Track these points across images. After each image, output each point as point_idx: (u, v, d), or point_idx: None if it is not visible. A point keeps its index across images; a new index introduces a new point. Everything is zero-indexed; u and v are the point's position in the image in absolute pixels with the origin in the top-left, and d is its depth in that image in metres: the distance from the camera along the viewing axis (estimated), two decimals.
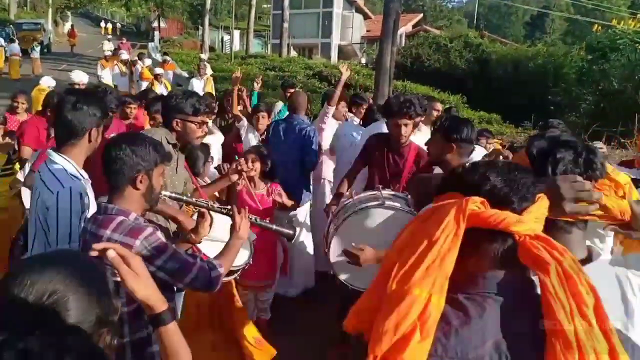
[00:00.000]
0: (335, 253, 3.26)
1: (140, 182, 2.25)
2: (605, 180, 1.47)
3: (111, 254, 1.45)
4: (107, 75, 12.74)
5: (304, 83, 16.64)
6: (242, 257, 3.15)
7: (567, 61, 15.66)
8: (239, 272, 3.20)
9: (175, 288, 2.33)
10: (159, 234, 2.25)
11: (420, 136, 4.44)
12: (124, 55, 14.13)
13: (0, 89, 15.65)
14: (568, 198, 1.36)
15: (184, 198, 2.76)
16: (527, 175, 1.15)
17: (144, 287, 1.47)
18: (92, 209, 2.63)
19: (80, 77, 7.11)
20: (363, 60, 29.09)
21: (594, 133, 9.88)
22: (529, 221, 1.08)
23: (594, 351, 1.00)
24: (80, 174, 2.71)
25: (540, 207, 1.12)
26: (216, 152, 5.24)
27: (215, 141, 5.36)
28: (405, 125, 3.84)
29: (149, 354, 2.24)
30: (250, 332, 3.77)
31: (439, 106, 5.49)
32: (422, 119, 4.26)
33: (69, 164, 2.69)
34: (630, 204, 1.49)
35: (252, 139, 5.48)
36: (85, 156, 2.77)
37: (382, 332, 1.01)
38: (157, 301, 1.50)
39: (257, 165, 4.07)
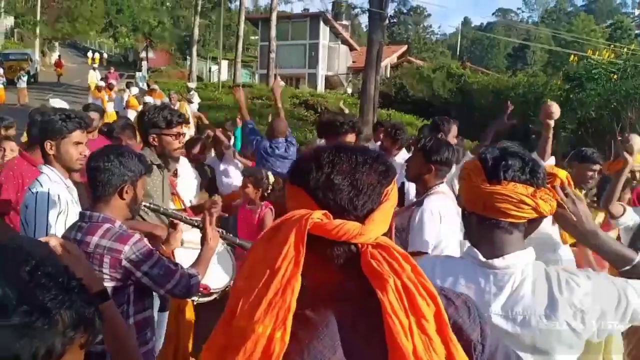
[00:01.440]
0: None
1: (126, 192, 2.32)
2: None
3: (52, 242, 1.56)
4: (110, 107, 12.85)
5: (290, 111, 16.87)
6: (223, 279, 3.22)
7: (547, 91, 16.07)
8: (219, 294, 3.23)
9: (153, 304, 2.45)
10: (145, 240, 2.32)
11: None
12: (113, 83, 14.33)
13: None
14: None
15: (161, 209, 2.83)
16: (374, 170, 1.08)
17: (83, 269, 1.59)
18: (73, 216, 2.70)
19: (59, 105, 7.23)
20: (349, 90, 29.52)
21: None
22: (372, 230, 1.04)
23: None
24: (64, 181, 2.81)
25: (386, 210, 1.08)
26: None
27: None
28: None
29: (148, 335, 2.36)
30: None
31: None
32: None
33: (52, 172, 2.79)
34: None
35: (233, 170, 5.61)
36: (62, 168, 2.86)
37: None
38: (96, 281, 1.68)
39: (250, 189, 4.34)
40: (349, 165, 1.07)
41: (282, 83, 6.05)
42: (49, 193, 2.70)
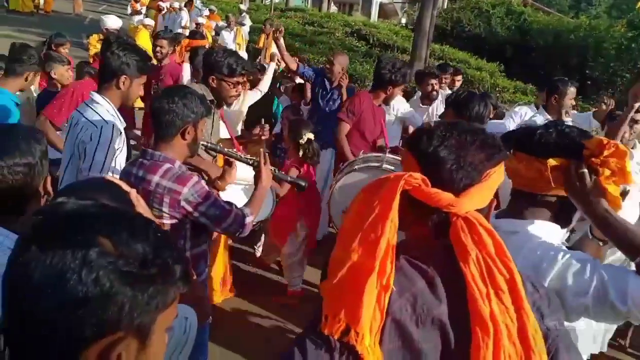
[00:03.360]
0: (334, 206, 3.50)
1: (188, 133, 2.39)
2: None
3: (133, 193, 1.57)
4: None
5: (341, 41, 16.67)
6: (264, 212, 3.36)
7: (608, 36, 15.44)
8: (257, 225, 3.40)
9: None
10: (203, 182, 2.42)
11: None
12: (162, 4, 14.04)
13: (38, 25, 16.04)
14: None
15: (217, 148, 2.89)
16: (480, 151, 1.18)
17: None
18: (123, 154, 2.85)
19: (113, 23, 7.25)
20: (403, 21, 28.75)
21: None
22: (464, 204, 1.14)
23: (506, 327, 1.09)
24: (118, 117, 2.88)
25: (484, 189, 1.17)
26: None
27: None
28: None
29: (202, 267, 2.55)
30: (219, 271, 4.22)
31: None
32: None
33: (109, 105, 2.86)
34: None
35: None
36: (119, 102, 2.91)
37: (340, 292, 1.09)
38: None
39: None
40: (458, 142, 1.18)
41: (282, 28, 6.11)
42: (112, 128, 2.77)
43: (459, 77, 7.09)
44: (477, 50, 17.15)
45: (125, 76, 2.84)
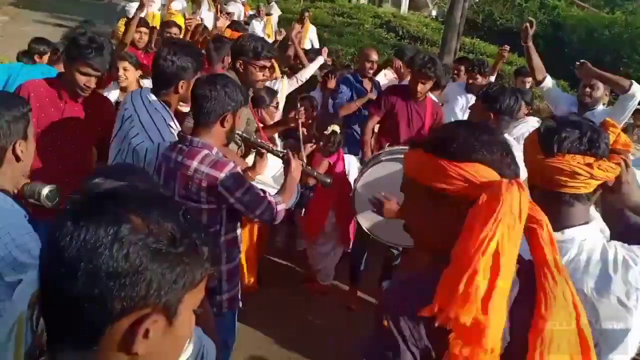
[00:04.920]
0: (359, 199, 3.43)
1: (227, 120, 2.47)
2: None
3: None
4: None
5: (370, 32, 16.58)
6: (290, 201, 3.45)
7: None
8: None
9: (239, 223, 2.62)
10: (239, 168, 2.48)
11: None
12: None
13: (72, 12, 16.24)
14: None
15: (251, 139, 2.95)
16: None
17: None
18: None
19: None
20: (434, 13, 28.37)
21: None
22: None
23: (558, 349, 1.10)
24: (175, 124, 2.87)
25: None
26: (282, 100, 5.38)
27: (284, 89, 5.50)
28: (423, 83, 4.32)
29: (217, 273, 2.50)
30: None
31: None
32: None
33: (167, 112, 2.83)
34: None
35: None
36: (177, 105, 2.92)
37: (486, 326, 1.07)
38: None
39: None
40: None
41: (298, 26, 6.09)
42: (159, 147, 2.72)
43: (529, 79, 6.12)
44: (509, 43, 16.87)
45: (183, 81, 2.86)
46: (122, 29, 7.86)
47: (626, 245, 1.58)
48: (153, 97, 2.86)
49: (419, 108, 4.49)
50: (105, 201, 0.88)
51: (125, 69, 4.28)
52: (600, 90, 4.42)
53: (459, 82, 6.25)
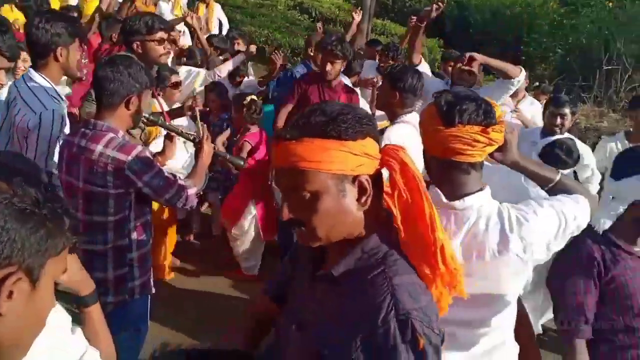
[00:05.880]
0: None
1: (132, 103, 2.39)
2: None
3: None
4: None
5: (283, 14, 16.47)
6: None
7: (542, 12, 15.92)
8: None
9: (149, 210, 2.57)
10: (147, 152, 2.43)
11: None
12: None
13: None
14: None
15: (159, 121, 2.85)
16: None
17: (76, 269, 1.49)
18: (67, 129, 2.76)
19: None
20: None
21: (558, 86, 10.36)
22: None
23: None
24: (59, 94, 2.79)
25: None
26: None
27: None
28: (332, 63, 4.28)
29: (127, 259, 2.49)
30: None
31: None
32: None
33: (48, 84, 2.75)
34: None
35: None
36: (60, 76, 2.84)
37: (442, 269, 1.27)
38: (86, 283, 1.54)
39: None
40: None
41: (359, 16, 6.09)
42: (53, 114, 2.69)
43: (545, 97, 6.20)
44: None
45: (60, 47, 2.75)
46: (8, 13, 7.41)
47: (515, 205, 1.74)
48: (33, 72, 2.75)
49: (331, 92, 4.48)
50: None
51: (25, 60, 4.03)
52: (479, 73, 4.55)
53: (372, 61, 6.39)
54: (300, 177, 1.20)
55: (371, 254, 1.27)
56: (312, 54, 5.40)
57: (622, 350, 2.19)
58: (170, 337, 3.52)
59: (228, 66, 5.16)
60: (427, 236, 1.25)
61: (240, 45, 6.49)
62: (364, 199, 1.24)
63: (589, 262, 2.20)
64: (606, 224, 2.23)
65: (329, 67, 4.34)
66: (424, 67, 4.63)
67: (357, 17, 6.18)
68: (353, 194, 1.24)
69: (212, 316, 3.94)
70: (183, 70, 5.09)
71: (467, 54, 4.06)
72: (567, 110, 4.13)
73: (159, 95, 4.27)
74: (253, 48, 5.36)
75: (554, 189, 1.83)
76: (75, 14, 5.48)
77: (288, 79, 5.19)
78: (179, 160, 3.06)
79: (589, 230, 2.14)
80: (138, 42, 3.21)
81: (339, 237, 1.27)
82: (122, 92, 2.35)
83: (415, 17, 5.58)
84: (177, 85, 4.53)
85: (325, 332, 1.25)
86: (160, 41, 3.24)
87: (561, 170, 1.89)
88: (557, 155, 3.45)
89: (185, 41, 8.07)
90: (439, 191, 1.69)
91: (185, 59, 6.14)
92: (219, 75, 5.06)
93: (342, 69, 4.50)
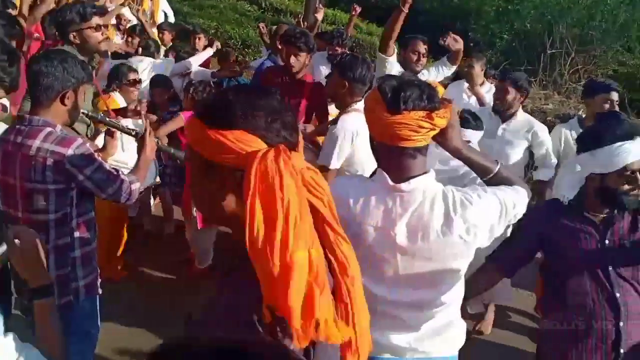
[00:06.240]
0: None
1: (68, 98, 2.31)
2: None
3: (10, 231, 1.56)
4: None
5: (232, 5, 16.26)
6: (148, 179, 3.31)
7: None
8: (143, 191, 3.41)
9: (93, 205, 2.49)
10: (88, 145, 2.35)
11: None
12: None
13: None
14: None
15: (99, 117, 2.79)
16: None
17: (32, 259, 1.54)
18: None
19: None
20: None
21: (504, 70, 10.59)
22: None
23: None
24: None
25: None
26: None
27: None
28: (295, 55, 4.13)
29: (70, 258, 2.39)
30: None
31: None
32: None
33: None
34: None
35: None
36: None
37: (291, 308, 0.95)
38: (40, 275, 1.56)
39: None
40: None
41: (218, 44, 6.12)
42: None
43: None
44: (367, 14, 17.43)
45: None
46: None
47: (460, 188, 1.79)
48: None
49: (296, 87, 4.28)
50: None
51: None
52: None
53: (322, 52, 6.36)
54: None
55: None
56: (280, 47, 5.34)
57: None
58: (124, 339, 3.53)
59: (198, 59, 5.16)
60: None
61: (202, 41, 6.44)
62: None
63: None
64: (570, 195, 2.32)
65: (292, 59, 4.17)
66: (393, 60, 4.48)
67: (320, 16, 6.21)
68: None
69: (165, 315, 3.86)
70: (147, 61, 5.16)
71: (452, 35, 4.41)
72: (508, 86, 4.09)
73: (115, 91, 4.23)
74: (217, 44, 5.37)
75: (493, 180, 1.85)
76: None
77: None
78: (133, 156, 3.02)
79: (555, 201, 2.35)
80: (74, 33, 3.12)
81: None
82: (57, 86, 2.27)
83: (355, 7, 5.51)
84: (134, 83, 4.46)
85: None
86: (97, 28, 3.16)
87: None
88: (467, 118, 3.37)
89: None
90: (385, 175, 1.71)
91: (141, 49, 6.03)
92: (187, 68, 5.06)
93: (307, 62, 4.31)
